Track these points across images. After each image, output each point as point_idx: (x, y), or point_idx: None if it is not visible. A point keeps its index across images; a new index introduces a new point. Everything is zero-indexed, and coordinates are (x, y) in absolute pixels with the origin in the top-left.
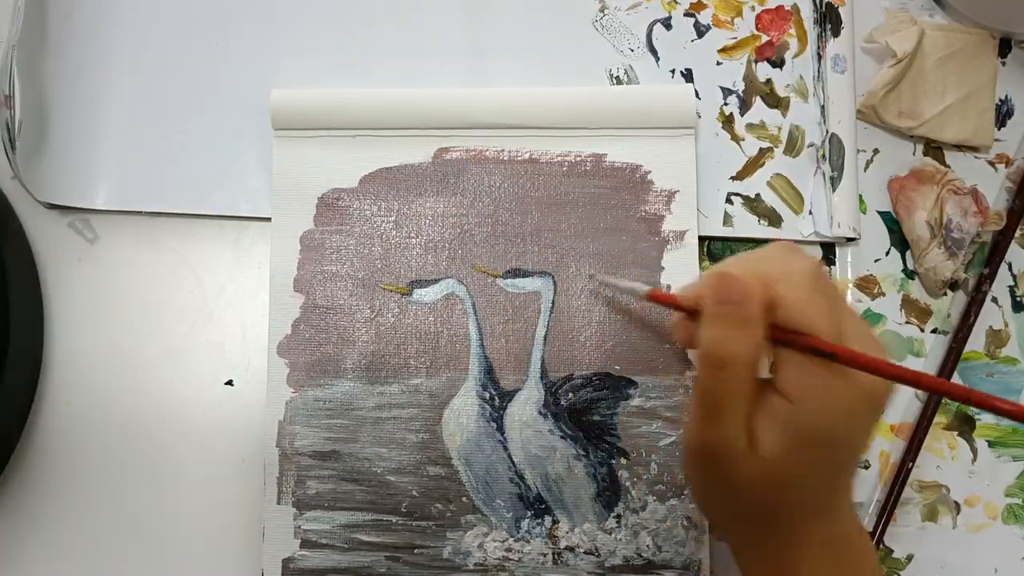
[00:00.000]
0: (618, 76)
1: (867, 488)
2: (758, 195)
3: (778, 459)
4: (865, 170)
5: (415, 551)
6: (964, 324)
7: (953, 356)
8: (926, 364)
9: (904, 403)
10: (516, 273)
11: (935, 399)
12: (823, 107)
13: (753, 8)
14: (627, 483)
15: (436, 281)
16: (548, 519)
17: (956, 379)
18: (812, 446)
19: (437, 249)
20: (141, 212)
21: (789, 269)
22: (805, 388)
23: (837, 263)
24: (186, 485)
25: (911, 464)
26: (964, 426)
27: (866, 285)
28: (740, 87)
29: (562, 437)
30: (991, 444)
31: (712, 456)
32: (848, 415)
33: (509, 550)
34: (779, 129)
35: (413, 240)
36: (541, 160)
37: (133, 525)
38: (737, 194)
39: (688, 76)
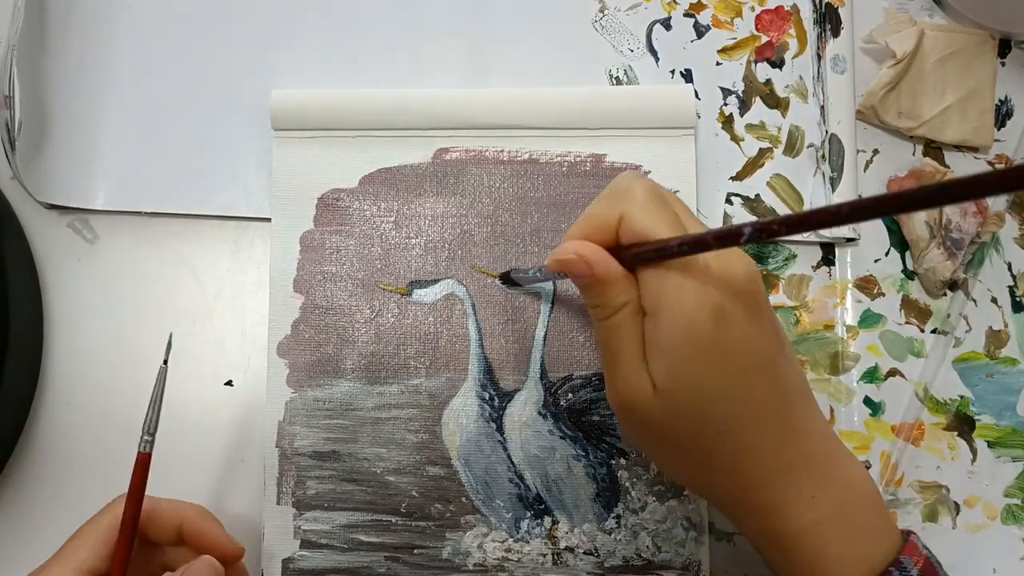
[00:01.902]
0: (618, 76)
1: None
2: (758, 195)
3: (672, 386)
4: (865, 170)
5: (415, 551)
6: None
7: None
8: (926, 364)
9: (906, 403)
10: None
11: None
12: (823, 107)
13: (753, 8)
14: (627, 483)
15: (436, 281)
16: (548, 519)
17: (955, 379)
18: (693, 357)
19: (437, 249)
20: (141, 212)
21: (631, 190)
22: (656, 301)
23: (837, 263)
24: (186, 485)
25: None
26: (964, 426)
27: (866, 285)
28: (740, 87)
29: (562, 437)
30: (990, 444)
31: (625, 404)
32: (715, 312)
33: (509, 550)
34: (779, 129)
35: (413, 240)
36: (541, 160)
37: None
38: (737, 194)
39: (688, 76)
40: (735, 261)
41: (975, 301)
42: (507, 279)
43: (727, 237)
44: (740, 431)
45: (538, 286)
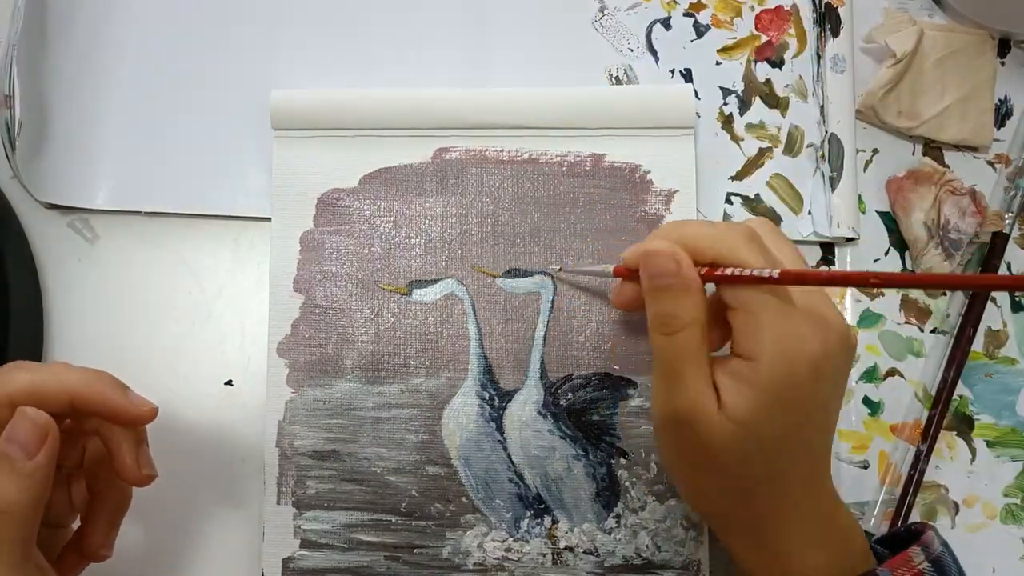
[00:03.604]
0: (617, 76)
1: (868, 489)
2: (757, 195)
3: (749, 420)
4: (864, 170)
5: (415, 551)
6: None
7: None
8: (925, 364)
9: (906, 402)
10: (515, 273)
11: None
12: (822, 107)
13: (752, 8)
14: (626, 483)
15: (436, 281)
16: (547, 519)
17: (960, 387)
18: (782, 404)
19: (437, 249)
20: (141, 212)
21: (720, 228)
22: (757, 338)
23: (836, 263)
24: (186, 485)
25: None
26: (963, 426)
27: None
28: (739, 87)
29: (561, 437)
30: (989, 444)
31: (685, 421)
32: (813, 365)
33: (508, 550)
34: (778, 129)
35: (413, 240)
36: (541, 160)
37: (133, 525)
38: (736, 194)
39: (687, 76)
40: (839, 319)
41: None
42: (513, 273)
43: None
44: (792, 480)
45: (538, 287)
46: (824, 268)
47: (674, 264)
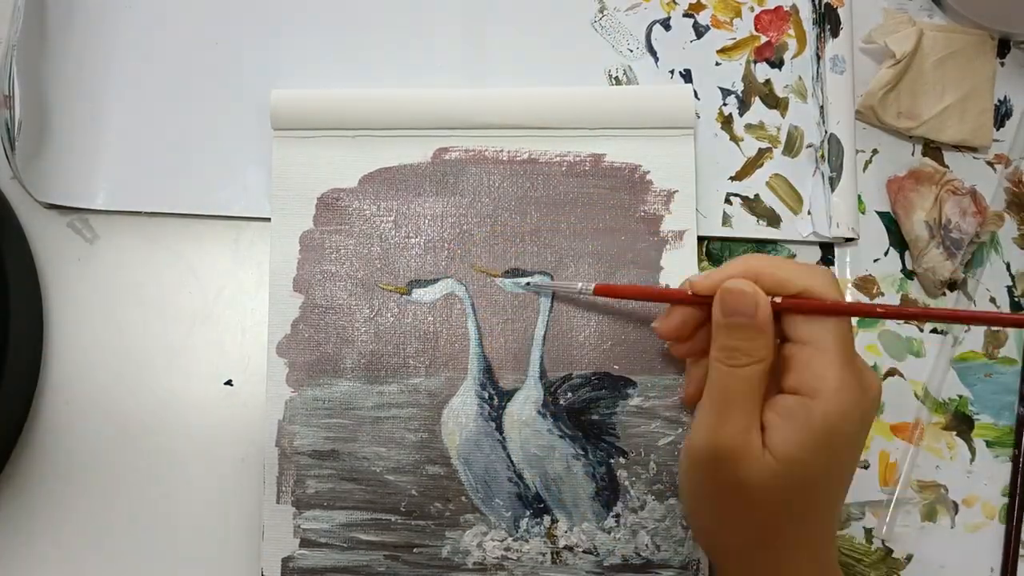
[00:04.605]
0: (617, 76)
1: (868, 489)
2: (757, 195)
3: (793, 459)
4: (864, 170)
5: (414, 550)
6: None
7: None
8: (925, 364)
9: (906, 402)
10: (515, 273)
11: None
12: (822, 107)
13: (752, 9)
14: (626, 482)
15: (435, 281)
16: (547, 518)
17: (954, 379)
18: (828, 447)
19: (436, 249)
20: (140, 212)
21: (804, 264)
22: (818, 381)
23: (836, 263)
24: (186, 485)
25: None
26: (963, 426)
27: (865, 285)
28: (739, 87)
29: (561, 436)
30: (989, 444)
31: (725, 456)
32: (862, 415)
33: (508, 549)
34: (778, 129)
35: (412, 240)
36: (540, 160)
37: (133, 525)
38: (736, 194)
39: (687, 76)
40: (875, 376)
41: (974, 301)
42: (513, 273)
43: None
44: (816, 526)
45: (538, 285)
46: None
47: (753, 306)
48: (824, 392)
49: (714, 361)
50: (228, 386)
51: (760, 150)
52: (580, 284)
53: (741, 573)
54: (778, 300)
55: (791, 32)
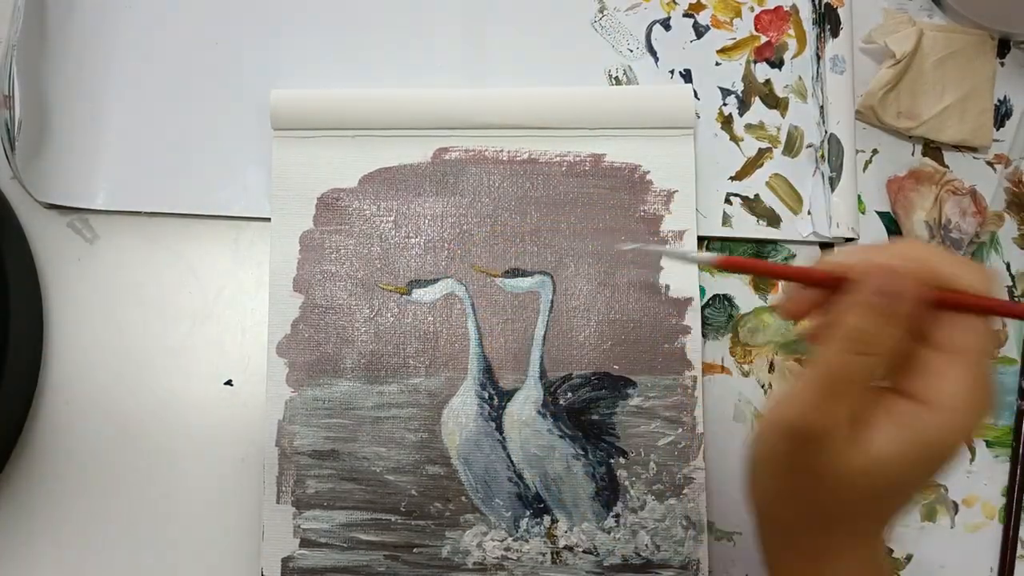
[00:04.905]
0: (617, 77)
1: None
2: (757, 195)
3: (888, 461)
4: (864, 170)
5: (414, 550)
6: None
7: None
8: None
9: None
10: (515, 273)
11: None
12: (822, 107)
13: (752, 9)
14: (626, 482)
15: (435, 281)
16: (547, 518)
17: None
18: (929, 461)
19: (436, 249)
20: (140, 212)
21: (948, 257)
22: (954, 394)
23: None
24: (186, 484)
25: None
26: None
27: None
28: (739, 87)
29: (561, 436)
30: (989, 444)
31: (815, 437)
32: (968, 432)
33: (508, 549)
34: (778, 129)
35: (412, 240)
36: (540, 160)
37: (133, 524)
38: (736, 194)
39: (687, 76)
40: (994, 395)
41: None
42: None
43: None
44: (888, 520)
45: (537, 286)
46: None
47: (903, 287)
48: (946, 408)
49: (834, 342)
50: (228, 386)
51: (760, 150)
52: (702, 254)
53: (786, 549)
54: (934, 293)
55: (791, 32)
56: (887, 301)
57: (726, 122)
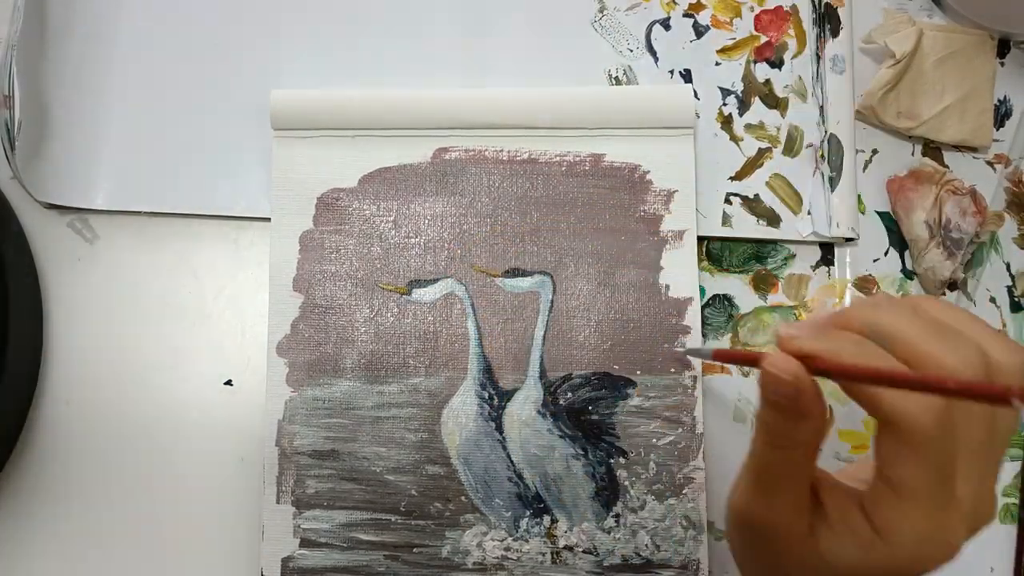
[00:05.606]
0: (617, 76)
1: None
2: (757, 195)
3: (841, 570)
4: (864, 170)
5: (414, 550)
6: None
7: None
8: None
9: None
10: (515, 273)
11: None
12: (822, 107)
13: (752, 9)
14: (626, 482)
15: (435, 281)
16: (547, 518)
17: None
18: (887, 567)
19: (436, 249)
20: (140, 212)
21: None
22: (897, 535)
23: (836, 263)
24: (185, 484)
25: None
26: None
27: (865, 285)
28: (739, 87)
29: (561, 436)
30: None
31: (761, 528)
32: (927, 570)
33: (508, 549)
34: (778, 129)
35: (412, 240)
36: (540, 160)
37: (132, 524)
38: (736, 194)
39: (687, 76)
40: (992, 510)
41: (974, 301)
42: (513, 273)
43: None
44: None
45: (537, 286)
46: None
47: (792, 389)
48: (895, 545)
49: (756, 432)
50: (228, 386)
51: (760, 150)
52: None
53: None
54: (840, 367)
55: (791, 32)
56: (770, 391)
57: (726, 122)
